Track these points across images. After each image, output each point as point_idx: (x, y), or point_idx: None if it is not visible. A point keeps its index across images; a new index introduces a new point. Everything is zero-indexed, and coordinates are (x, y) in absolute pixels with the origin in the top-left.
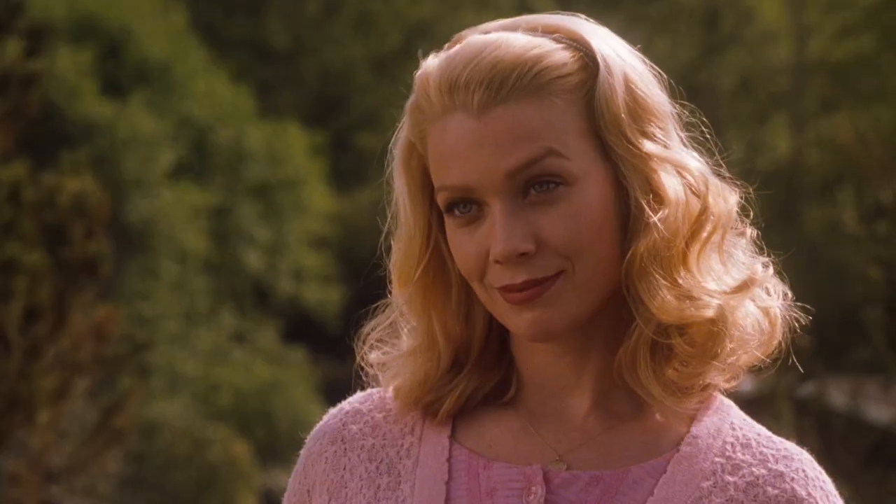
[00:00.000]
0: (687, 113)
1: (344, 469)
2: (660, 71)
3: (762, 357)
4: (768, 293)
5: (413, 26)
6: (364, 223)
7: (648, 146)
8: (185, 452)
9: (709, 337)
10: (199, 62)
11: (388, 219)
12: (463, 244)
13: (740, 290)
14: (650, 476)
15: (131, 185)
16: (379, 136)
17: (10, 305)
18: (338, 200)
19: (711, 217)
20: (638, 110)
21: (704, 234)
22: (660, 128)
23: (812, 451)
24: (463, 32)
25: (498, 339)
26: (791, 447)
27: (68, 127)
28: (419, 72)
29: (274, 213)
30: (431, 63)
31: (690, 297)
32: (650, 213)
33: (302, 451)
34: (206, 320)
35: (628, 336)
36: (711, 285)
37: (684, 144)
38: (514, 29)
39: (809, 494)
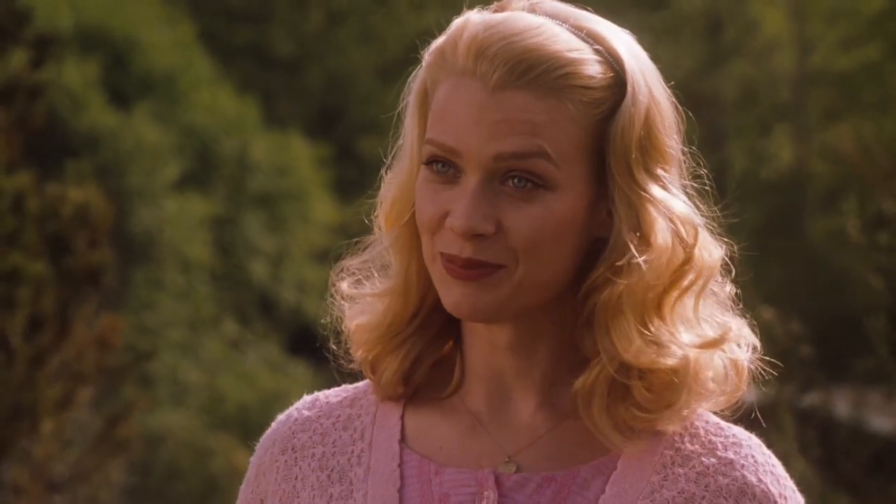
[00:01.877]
0: (689, 159)
1: (296, 479)
2: (685, 112)
3: (724, 407)
4: (739, 346)
5: (416, 35)
6: (367, 232)
7: (649, 186)
8: (189, 462)
9: (667, 386)
10: (204, 73)
11: (391, 154)
12: (428, 198)
13: (710, 345)
14: (601, 474)
15: (136, 195)
16: (375, 141)
17: (14, 315)
18: (342, 210)
19: (694, 268)
20: (650, 148)
21: (684, 284)
22: (665, 171)
23: (815, 461)
24: (512, 1)
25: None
26: (739, 433)
27: (73, 137)
28: (458, 19)
29: (278, 224)
30: (472, 19)
31: (658, 343)
32: (636, 253)
33: (252, 460)
34: (210, 330)
35: (589, 369)
36: (683, 336)
37: (685, 192)
38: (563, 20)
39: (760, 480)
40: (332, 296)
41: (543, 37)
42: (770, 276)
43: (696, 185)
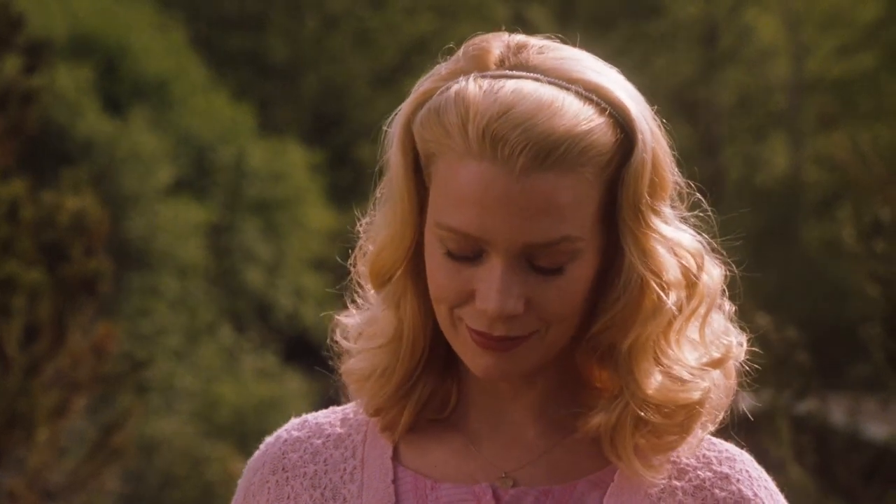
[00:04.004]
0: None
1: (287, 498)
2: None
3: (722, 419)
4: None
5: (411, 41)
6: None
7: (658, 225)
8: (184, 470)
9: (688, 415)
10: (198, 79)
11: (371, 203)
12: (449, 276)
13: (716, 364)
14: (598, 487)
15: (130, 201)
16: (374, 148)
17: (10, 323)
18: (337, 217)
19: (698, 294)
20: (656, 188)
21: (689, 311)
22: (665, 204)
23: (810, 468)
24: (513, 43)
25: (445, 345)
26: (732, 449)
27: (68, 144)
28: (455, 88)
29: (273, 231)
30: (474, 94)
31: (681, 380)
32: (663, 297)
33: (240, 482)
34: (206, 337)
35: (613, 407)
36: (690, 359)
37: (682, 208)
38: (564, 79)
39: (756, 494)
40: (338, 296)
41: (558, 115)
42: (765, 282)
43: (689, 190)
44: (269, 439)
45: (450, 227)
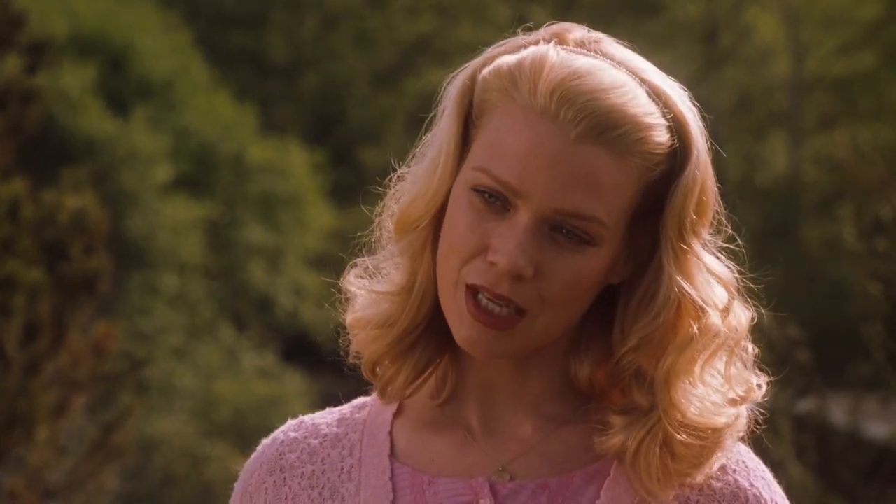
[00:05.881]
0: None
1: (286, 498)
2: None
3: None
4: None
5: (411, 41)
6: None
7: (696, 246)
8: (184, 469)
9: (714, 440)
10: (201, 79)
11: (412, 154)
12: (470, 224)
13: (739, 402)
14: (594, 480)
15: (130, 199)
16: (377, 150)
17: (10, 322)
18: (338, 216)
19: (728, 327)
20: (701, 211)
21: (718, 343)
22: (706, 231)
23: (811, 466)
24: (592, 34)
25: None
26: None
27: (70, 143)
28: (534, 50)
29: (274, 229)
30: (552, 57)
31: (715, 405)
32: (711, 319)
33: (237, 485)
34: (206, 336)
35: (641, 424)
36: (714, 395)
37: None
38: (638, 75)
39: (752, 484)
40: (341, 292)
41: (627, 97)
42: (766, 281)
43: (724, 227)
44: (265, 441)
45: (492, 172)
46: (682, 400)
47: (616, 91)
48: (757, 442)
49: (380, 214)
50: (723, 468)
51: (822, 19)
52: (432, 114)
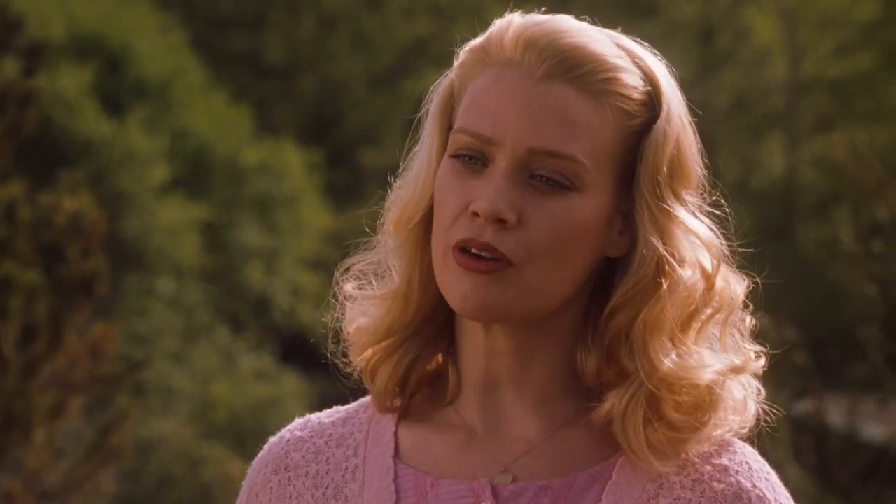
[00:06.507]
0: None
1: (290, 498)
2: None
3: (741, 434)
4: (745, 387)
5: (408, 43)
6: (361, 237)
7: (675, 206)
8: (181, 471)
9: (697, 407)
10: (197, 80)
11: (404, 159)
12: (452, 187)
13: (736, 370)
14: (597, 482)
15: (127, 201)
16: (376, 151)
17: (6, 324)
18: (335, 217)
19: (717, 294)
20: (678, 171)
21: (709, 311)
22: (691, 196)
23: (809, 468)
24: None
25: (444, 318)
26: (734, 442)
27: (66, 145)
28: (500, 20)
29: (271, 230)
30: (516, 18)
31: (696, 362)
32: (680, 273)
33: (244, 483)
34: (203, 338)
35: (626, 386)
36: (709, 360)
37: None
38: (608, 34)
39: (755, 486)
40: (334, 295)
41: (590, 38)
42: (763, 283)
43: (717, 213)
44: (272, 439)
45: (467, 129)
46: (659, 354)
47: (578, 31)
48: (753, 443)
49: (382, 223)
50: (725, 470)
51: (819, 20)
52: (419, 114)
